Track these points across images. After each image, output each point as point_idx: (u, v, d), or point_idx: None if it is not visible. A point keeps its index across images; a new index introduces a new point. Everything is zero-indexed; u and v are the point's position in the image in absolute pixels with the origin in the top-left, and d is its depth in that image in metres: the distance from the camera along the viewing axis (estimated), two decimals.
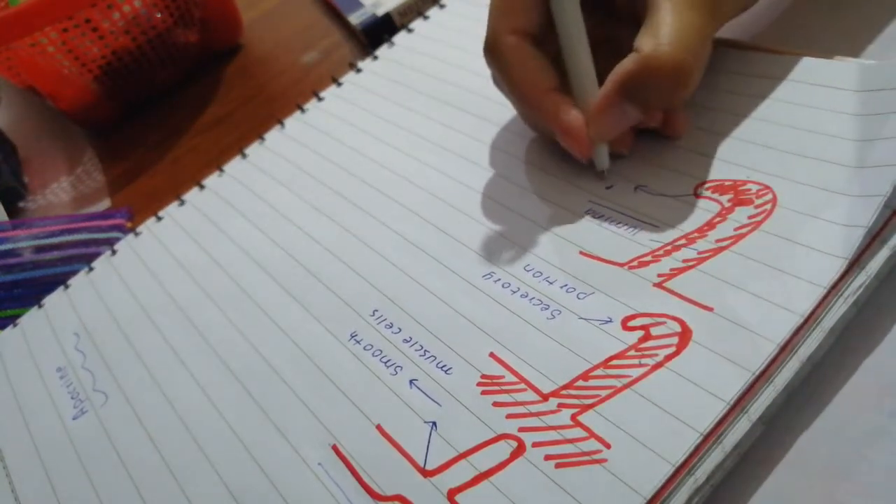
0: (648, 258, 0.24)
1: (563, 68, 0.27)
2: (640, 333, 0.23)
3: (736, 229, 0.24)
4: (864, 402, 0.20)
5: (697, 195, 0.26)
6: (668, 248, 0.24)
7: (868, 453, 0.19)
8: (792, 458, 0.20)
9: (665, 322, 0.22)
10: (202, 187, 0.39)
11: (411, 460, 0.23)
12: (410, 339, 0.26)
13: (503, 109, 0.33)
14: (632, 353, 0.22)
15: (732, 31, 0.31)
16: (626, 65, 0.24)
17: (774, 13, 0.32)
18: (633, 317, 0.23)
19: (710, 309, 0.22)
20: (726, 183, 0.25)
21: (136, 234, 0.38)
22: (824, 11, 0.31)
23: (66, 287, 0.37)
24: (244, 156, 0.39)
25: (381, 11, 0.45)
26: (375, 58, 0.41)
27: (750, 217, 0.24)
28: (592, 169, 0.28)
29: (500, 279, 0.26)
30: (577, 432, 0.21)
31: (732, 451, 0.20)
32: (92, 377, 0.31)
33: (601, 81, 0.26)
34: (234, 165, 0.39)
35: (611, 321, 0.23)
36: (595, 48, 0.26)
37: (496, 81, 0.29)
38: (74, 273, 0.37)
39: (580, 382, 0.22)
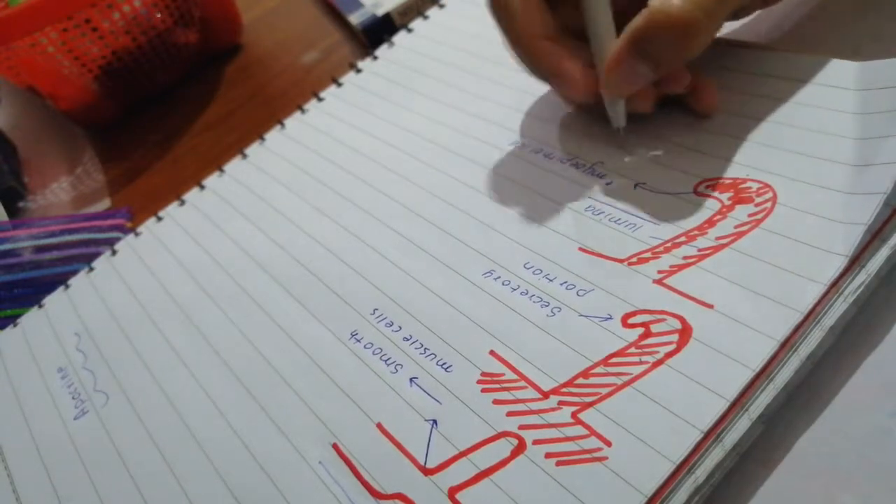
0: (648, 255, 0.24)
1: (579, 33, 0.27)
2: (641, 331, 0.23)
3: (736, 227, 0.24)
4: (864, 402, 0.20)
5: (698, 193, 0.26)
6: (669, 244, 0.24)
7: (868, 453, 0.19)
8: (792, 458, 0.20)
9: (665, 319, 0.22)
10: (202, 187, 0.39)
11: (412, 458, 0.23)
12: (410, 337, 0.26)
13: (501, 108, 0.33)
14: (632, 350, 0.22)
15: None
16: (636, 20, 0.25)
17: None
18: (633, 314, 0.23)
19: (710, 306, 0.22)
20: (726, 181, 0.25)
21: (136, 234, 0.38)
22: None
23: (67, 287, 0.37)
24: (244, 156, 0.39)
25: (381, 11, 0.45)
26: (375, 58, 0.41)
27: (750, 215, 0.24)
28: (593, 172, 0.28)
29: (499, 277, 0.26)
30: (578, 430, 0.21)
31: (732, 450, 0.20)
32: (93, 377, 0.31)
33: None
34: (234, 165, 0.39)
35: (611, 318, 0.23)
36: (628, 8, 0.26)
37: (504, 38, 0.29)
38: (74, 273, 0.37)
39: (580, 380, 0.22)
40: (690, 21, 0.24)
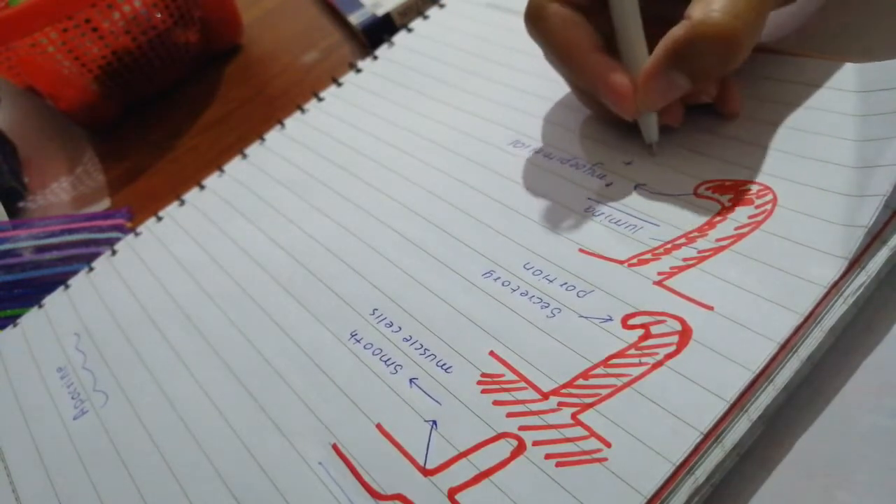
0: (648, 256, 0.25)
1: (612, 42, 0.27)
2: (641, 332, 0.23)
3: (736, 229, 0.24)
4: (864, 402, 0.20)
5: (698, 195, 0.26)
6: (669, 246, 0.24)
7: (868, 453, 0.19)
8: (792, 458, 0.20)
9: (665, 320, 0.22)
10: (202, 187, 0.39)
11: (411, 459, 0.23)
12: (410, 337, 0.26)
13: (501, 108, 0.33)
14: (632, 351, 0.22)
15: None
16: (675, 31, 0.24)
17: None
18: (633, 315, 0.23)
19: (710, 308, 0.22)
20: (727, 183, 0.25)
21: (136, 234, 0.38)
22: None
23: (66, 287, 0.37)
24: (244, 156, 0.39)
25: (381, 11, 0.45)
26: (375, 58, 0.41)
27: (750, 217, 0.24)
28: (593, 172, 0.28)
29: (499, 277, 0.26)
30: (578, 431, 0.21)
31: (732, 451, 0.20)
32: (92, 377, 0.31)
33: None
34: (234, 165, 0.39)
35: (611, 319, 0.23)
36: (650, 23, 0.26)
37: (544, 53, 0.29)
38: (74, 273, 0.37)
39: (580, 381, 0.22)
40: (735, 33, 0.23)
